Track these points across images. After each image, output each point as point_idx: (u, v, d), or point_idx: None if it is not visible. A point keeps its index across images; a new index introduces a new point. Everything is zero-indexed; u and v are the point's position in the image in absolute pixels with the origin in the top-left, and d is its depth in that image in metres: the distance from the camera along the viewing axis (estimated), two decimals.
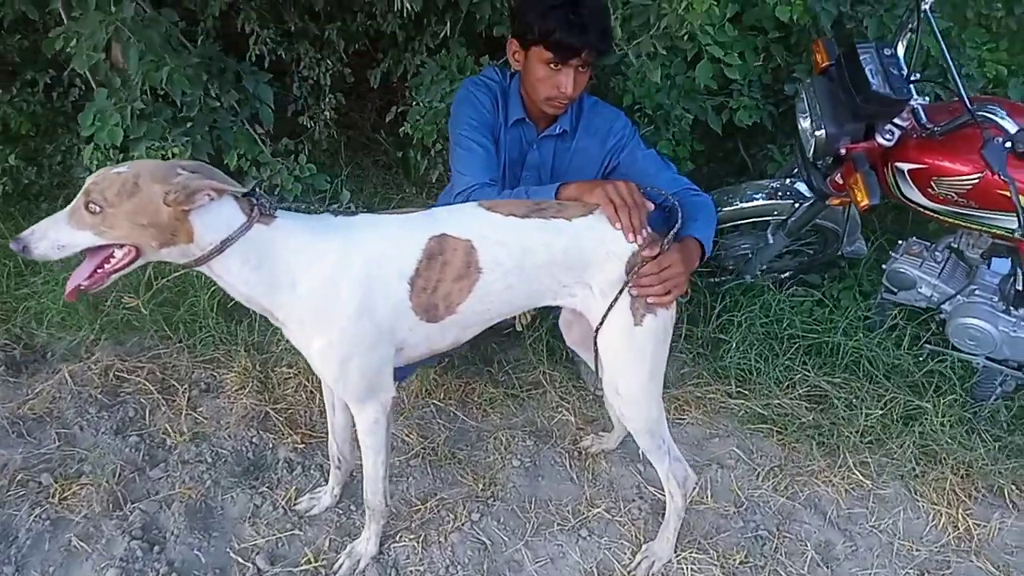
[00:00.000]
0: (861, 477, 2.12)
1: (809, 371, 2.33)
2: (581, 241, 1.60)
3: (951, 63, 1.89)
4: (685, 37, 2.06)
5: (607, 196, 1.60)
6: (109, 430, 2.16)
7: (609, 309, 1.61)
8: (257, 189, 1.53)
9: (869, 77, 1.90)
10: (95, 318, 2.47)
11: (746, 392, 2.33)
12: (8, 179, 2.76)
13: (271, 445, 2.15)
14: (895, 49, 1.99)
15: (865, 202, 1.94)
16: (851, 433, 2.19)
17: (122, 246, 1.37)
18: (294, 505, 1.97)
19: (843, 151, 2.04)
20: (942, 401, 2.20)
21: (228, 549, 1.85)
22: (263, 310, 1.54)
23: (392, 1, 2.38)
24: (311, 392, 2.29)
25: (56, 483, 1.97)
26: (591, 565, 1.87)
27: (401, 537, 1.89)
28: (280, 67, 3.12)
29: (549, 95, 1.85)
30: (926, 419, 2.18)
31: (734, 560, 1.89)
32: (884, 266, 2.38)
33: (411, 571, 1.82)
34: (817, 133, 2.05)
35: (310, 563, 1.82)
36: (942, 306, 2.31)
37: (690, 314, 2.50)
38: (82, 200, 1.33)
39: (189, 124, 2.22)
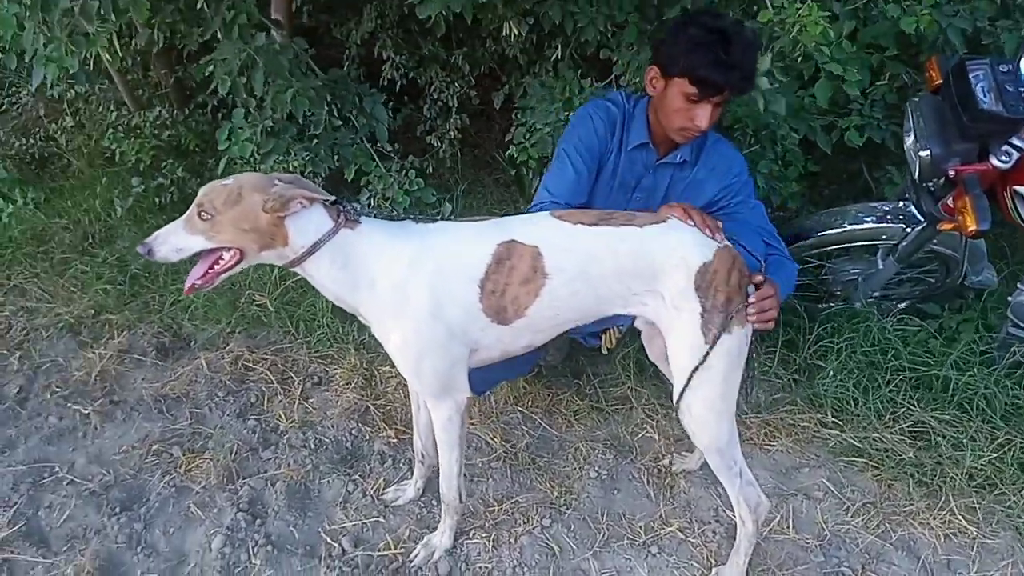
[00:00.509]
0: (965, 523, 1.97)
1: (914, 405, 2.20)
2: (650, 247, 1.62)
3: None
4: (799, 59, 2.03)
5: (679, 206, 1.66)
6: (232, 413, 2.42)
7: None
8: (347, 201, 1.68)
9: (978, 94, 1.79)
10: (232, 313, 2.78)
11: (841, 423, 2.23)
12: (175, 188, 3.18)
13: (368, 437, 2.32)
14: (1018, 65, 1.86)
15: (973, 227, 1.82)
16: (957, 475, 2.04)
17: (229, 249, 1.56)
18: (381, 495, 2.11)
19: (952, 173, 1.92)
20: None
21: (319, 529, 2.02)
22: (351, 308, 1.69)
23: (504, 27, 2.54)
24: (405, 397, 2.44)
25: (184, 456, 2.24)
26: None
27: (474, 534, 1.98)
28: (415, 90, 3.37)
29: (683, 126, 1.88)
30: None
31: None
32: (1010, 298, 2.20)
33: (480, 567, 1.91)
34: (922, 153, 1.95)
35: (389, 549, 1.96)
36: None
37: (787, 339, 2.42)
38: (195, 209, 1.53)
39: (315, 141, 2.46)
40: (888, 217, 2.27)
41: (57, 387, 2.53)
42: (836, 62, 2.06)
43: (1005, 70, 1.82)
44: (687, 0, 2.23)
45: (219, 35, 2.25)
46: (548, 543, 1.96)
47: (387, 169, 2.61)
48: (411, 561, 1.92)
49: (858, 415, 2.22)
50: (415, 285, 1.60)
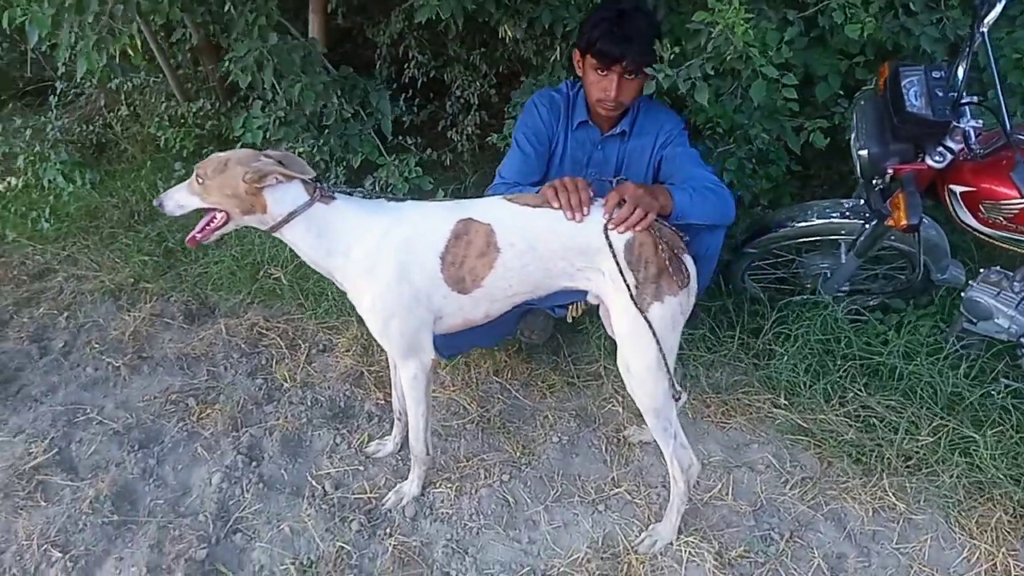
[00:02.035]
0: (894, 499, 2.10)
1: (861, 391, 2.33)
2: (583, 228, 1.81)
3: (998, 85, 1.86)
4: (741, 58, 2.18)
5: (548, 188, 1.84)
6: (244, 372, 2.70)
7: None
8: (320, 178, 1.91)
9: (908, 98, 1.92)
10: (251, 285, 3.08)
11: (792, 405, 2.37)
12: None
13: (360, 398, 2.57)
14: (953, 71, 1.98)
15: (904, 222, 1.95)
16: (893, 455, 2.17)
17: (219, 211, 1.83)
18: (364, 447, 2.36)
19: (890, 171, 2.06)
20: (1001, 435, 2.12)
21: (307, 473, 2.27)
22: (328, 273, 1.93)
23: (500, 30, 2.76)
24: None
25: (197, 406, 2.53)
26: (599, 535, 2.06)
27: (441, 485, 2.21)
28: (443, 88, 3.61)
29: (598, 98, 2.15)
30: (979, 451, 2.11)
31: (733, 552, 1.99)
32: (962, 294, 2.31)
33: (443, 513, 2.13)
34: (861, 152, 2.09)
35: (365, 493, 2.20)
36: (1021, 339, 2.21)
37: (753, 326, 2.58)
38: (195, 174, 1.82)
39: (326, 131, 2.72)
40: (848, 213, 2.40)
41: (96, 344, 2.86)
42: (772, 65, 2.19)
43: (938, 76, 1.95)
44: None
45: (241, 34, 2.53)
46: (505, 496, 2.18)
47: (392, 159, 2.86)
48: (383, 503, 2.15)
49: (808, 398, 2.36)
50: (384, 254, 1.83)
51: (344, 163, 2.81)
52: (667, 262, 1.78)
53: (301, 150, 2.52)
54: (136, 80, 4.00)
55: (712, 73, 2.17)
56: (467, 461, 2.30)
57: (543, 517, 2.12)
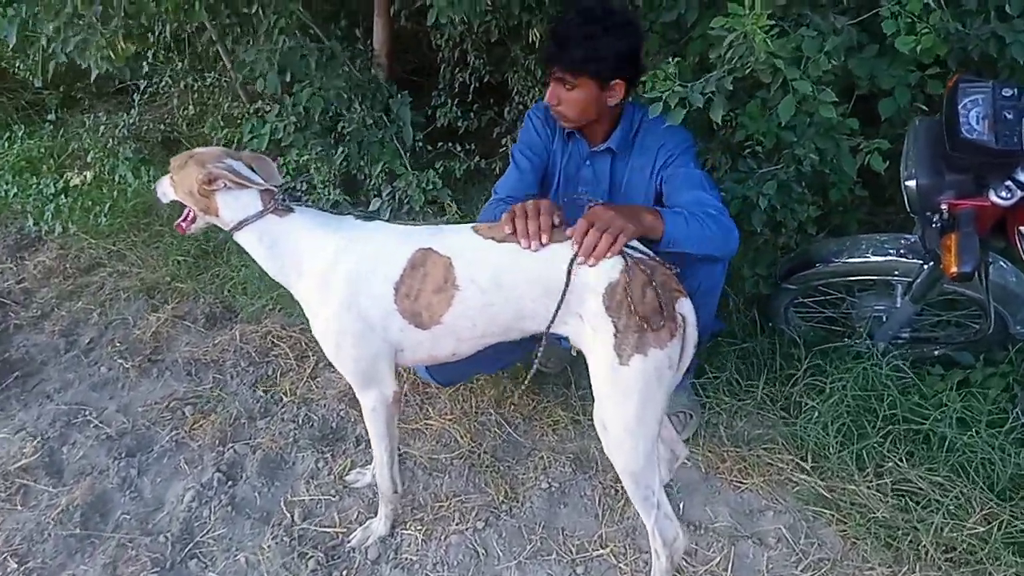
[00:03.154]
0: None
1: (902, 461, 1.98)
2: (556, 268, 1.58)
3: None
4: (768, 70, 1.89)
5: (508, 214, 1.62)
6: (248, 382, 2.64)
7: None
8: (277, 189, 1.79)
9: (965, 120, 1.58)
10: (273, 291, 3.02)
11: (818, 469, 2.05)
12: None
13: (353, 420, 2.45)
14: None
15: (953, 269, 1.62)
16: (931, 543, 1.82)
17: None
18: (344, 475, 2.23)
19: (944, 206, 1.71)
20: None
21: (281, 498, 2.17)
22: (286, 286, 1.81)
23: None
24: (404, 380, 2.54)
25: (192, 416, 2.48)
26: None
27: (411, 526, 2.05)
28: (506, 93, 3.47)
29: (546, 101, 1.98)
30: None
31: None
32: None
33: (406, 559, 1.97)
34: (908, 183, 1.75)
35: (333, 526, 2.07)
36: None
37: (780, 371, 2.26)
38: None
39: (347, 137, 2.62)
40: (905, 252, 2.05)
41: (118, 342, 2.89)
42: (807, 78, 1.88)
43: (1008, 94, 1.59)
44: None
45: (258, 37, 2.46)
46: (476, 545, 1.99)
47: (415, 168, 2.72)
48: (348, 541, 2.02)
49: (838, 463, 2.03)
50: (335, 276, 1.69)
51: (364, 171, 2.69)
52: (657, 307, 1.53)
53: (305, 158, 2.42)
54: (208, 79, 4.08)
55: (731, 88, 1.89)
56: (446, 501, 2.13)
57: (513, 574, 1.92)
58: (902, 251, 2.06)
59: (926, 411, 2.04)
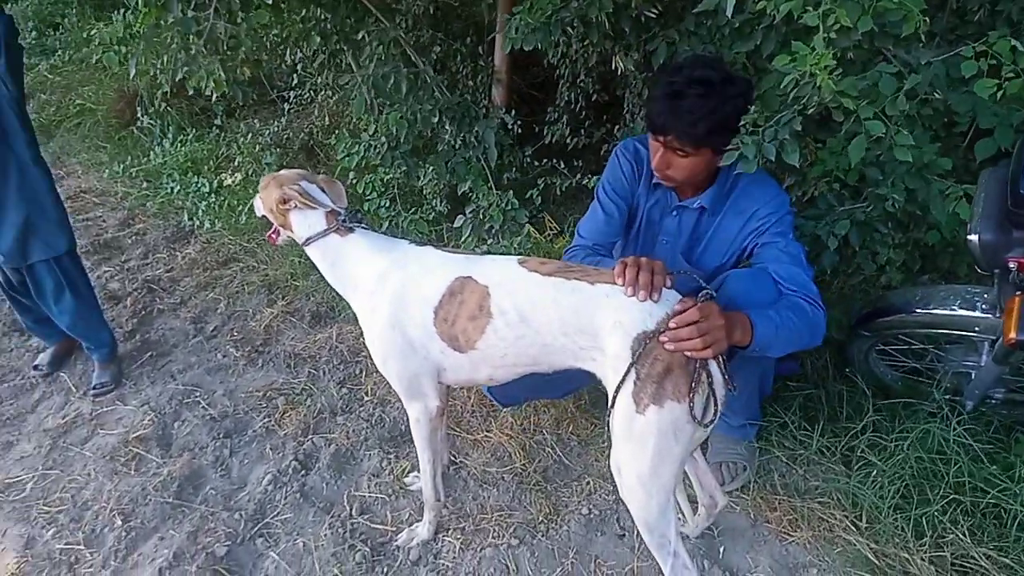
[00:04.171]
0: None
1: (964, 535, 1.82)
2: (592, 305, 1.60)
3: None
4: (839, 108, 1.81)
5: (622, 263, 1.59)
6: (336, 380, 2.87)
7: (618, 388, 1.56)
8: (342, 211, 1.95)
9: None
10: None
11: (872, 531, 1.93)
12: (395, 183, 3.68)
13: None
14: None
15: (1012, 335, 1.49)
16: None
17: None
18: (403, 476, 2.38)
19: (1012, 265, 1.57)
20: None
21: (344, 491, 2.35)
22: (345, 298, 1.98)
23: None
24: (472, 392, 2.66)
25: (283, 406, 2.74)
26: None
27: (452, 534, 2.16)
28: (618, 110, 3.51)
29: (654, 164, 1.94)
30: None
31: None
32: None
33: (443, 564, 2.08)
34: (971, 237, 1.62)
35: (384, 524, 2.22)
36: None
37: (838, 425, 2.15)
38: None
39: (433, 156, 2.78)
40: (986, 306, 1.89)
41: (236, 332, 3.23)
42: (882, 118, 1.77)
43: None
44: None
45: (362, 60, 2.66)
46: (507, 562, 2.06)
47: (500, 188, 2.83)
48: (396, 540, 2.16)
49: (894, 528, 1.90)
50: (382, 296, 1.83)
51: (448, 189, 2.84)
52: (682, 362, 1.52)
53: (388, 176, 2.60)
54: (351, 94, 4.42)
55: (799, 128, 1.83)
56: (489, 513, 2.21)
57: None
58: (986, 306, 1.89)
59: (1000, 483, 1.86)
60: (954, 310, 1.96)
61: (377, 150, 2.67)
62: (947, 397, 2.11)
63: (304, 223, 1.93)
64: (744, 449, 2.18)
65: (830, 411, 2.22)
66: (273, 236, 2.11)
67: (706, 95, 1.76)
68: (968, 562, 1.81)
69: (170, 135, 5.20)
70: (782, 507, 2.10)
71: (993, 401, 2.12)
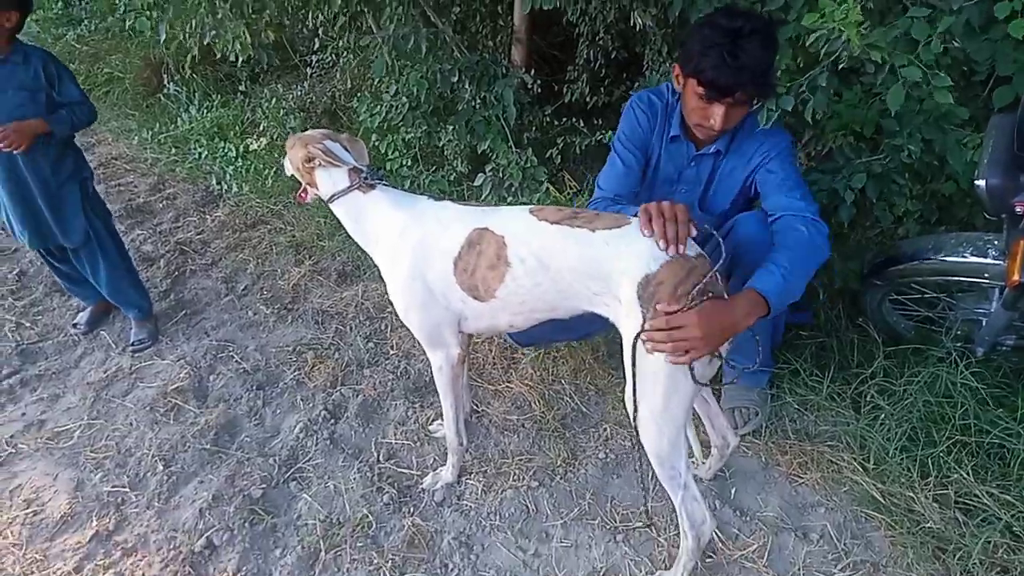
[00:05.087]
0: None
1: (968, 474, 1.88)
2: (597, 253, 1.66)
3: None
4: (869, 61, 1.82)
5: (646, 210, 1.62)
6: (363, 335, 2.97)
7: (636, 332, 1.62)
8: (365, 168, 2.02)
9: None
10: None
11: (878, 472, 2.00)
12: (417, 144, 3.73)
13: None
14: None
15: (1016, 277, 1.53)
16: (982, 559, 1.74)
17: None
18: (428, 425, 2.48)
19: (1019, 210, 1.60)
20: None
21: (372, 439, 2.46)
22: (369, 253, 2.06)
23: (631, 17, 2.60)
24: (493, 344, 2.74)
25: (312, 360, 2.85)
26: (605, 565, 1.97)
27: (475, 477, 2.26)
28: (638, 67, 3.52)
29: (698, 123, 1.93)
30: None
31: None
32: None
33: (466, 505, 2.19)
34: (978, 183, 1.64)
35: (410, 469, 2.33)
36: None
37: (851, 369, 2.20)
38: None
39: (453, 117, 2.82)
40: (995, 253, 1.91)
41: (266, 291, 3.34)
42: (917, 65, 1.78)
43: None
44: None
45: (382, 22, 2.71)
46: (527, 502, 2.16)
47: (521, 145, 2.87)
48: (420, 483, 2.27)
49: (900, 468, 1.96)
50: (402, 249, 1.91)
51: (468, 150, 2.90)
52: (689, 305, 1.57)
53: (408, 135, 2.65)
54: (364, 57, 4.45)
55: (823, 84, 1.84)
56: (510, 458, 2.31)
57: (558, 532, 2.08)
58: (996, 253, 1.92)
59: (1005, 425, 1.91)
60: (965, 257, 1.98)
61: (398, 110, 2.73)
62: (958, 345, 2.15)
63: (328, 180, 2.00)
64: (756, 395, 2.24)
65: (841, 359, 2.26)
66: (302, 195, 2.19)
67: (764, 45, 1.74)
68: (971, 500, 1.87)
69: (196, 102, 5.29)
70: (792, 451, 2.17)
71: (1004, 348, 2.15)
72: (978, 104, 2.20)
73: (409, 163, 3.02)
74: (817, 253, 1.77)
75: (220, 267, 3.59)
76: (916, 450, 1.96)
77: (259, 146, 4.58)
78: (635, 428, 1.74)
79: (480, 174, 2.84)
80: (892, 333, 2.30)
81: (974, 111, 2.14)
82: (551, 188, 2.79)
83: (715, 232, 1.67)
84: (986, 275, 1.95)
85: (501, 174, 2.84)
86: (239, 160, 4.52)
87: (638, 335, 1.60)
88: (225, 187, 4.34)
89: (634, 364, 1.65)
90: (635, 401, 1.70)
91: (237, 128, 4.93)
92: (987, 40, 2.02)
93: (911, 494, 1.92)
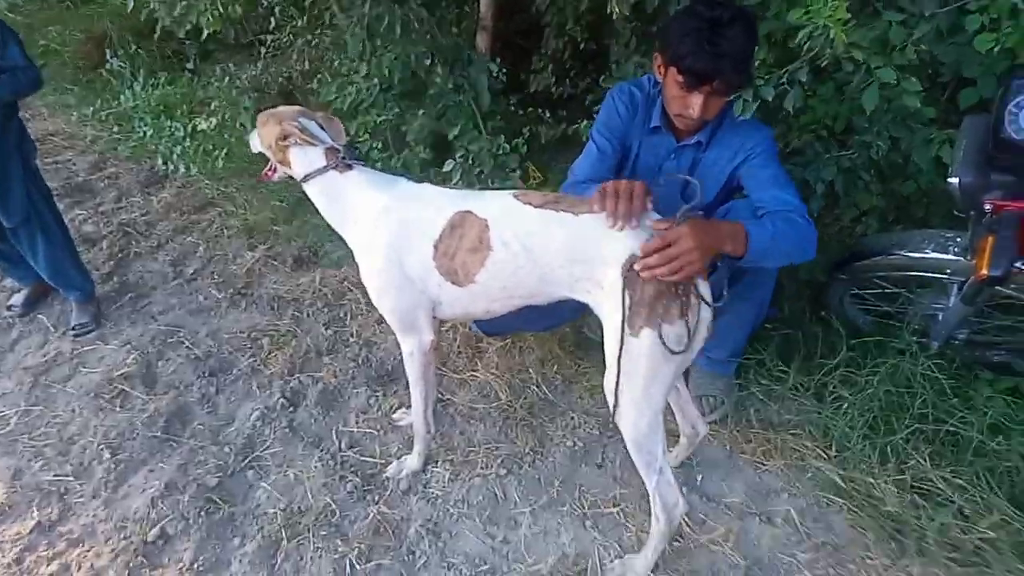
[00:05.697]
0: None
1: (924, 460, 1.94)
2: (582, 237, 1.65)
3: None
4: (850, 59, 1.86)
5: (602, 189, 1.62)
6: (320, 321, 2.89)
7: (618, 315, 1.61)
8: (349, 150, 1.97)
9: (1010, 119, 1.52)
10: None
11: (840, 459, 2.05)
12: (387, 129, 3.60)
13: None
14: None
15: (983, 271, 1.58)
16: (936, 540, 1.80)
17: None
18: (391, 413, 2.43)
19: (988, 207, 1.65)
20: None
21: (333, 427, 2.39)
22: (343, 235, 1.99)
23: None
24: (458, 333, 2.71)
25: (269, 346, 2.76)
26: (573, 551, 1.96)
27: (441, 465, 2.22)
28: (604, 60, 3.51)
29: (679, 113, 1.93)
30: None
31: None
32: None
33: (433, 493, 2.15)
34: (951, 180, 1.70)
35: (373, 457, 2.28)
36: None
37: (815, 360, 2.25)
38: None
39: (427, 100, 2.77)
40: (957, 250, 1.98)
41: (217, 275, 3.22)
42: (892, 67, 1.83)
43: None
44: None
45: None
46: (495, 489, 2.14)
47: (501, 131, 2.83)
48: (386, 472, 2.22)
49: (861, 455, 2.02)
50: (380, 231, 1.85)
51: (432, 137, 2.85)
52: (672, 285, 1.58)
53: (381, 118, 2.59)
54: (327, 38, 4.34)
55: (804, 80, 1.88)
56: (477, 447, 2.28)
57: (527, 519, 2.06)
58: (957, 250, 1.99)
59: (960, 414, 1.98)
60: (928, 253, 2.05)
61: (369, 91, 2.66)
62: (915, 339, 2.22)
63: (304, 160, 1.94)
64: (723, 385, 2.27)
65: (806, 351, 2.31)
66: (269, 173, 2.11)
67: (744, 33, 1.75)
68: (926, 484, 1.94)
69: (141, 78, 5.07)
70: (757, 439, 2.20)
71: (956, 341, 2.23)
72: (940, 106, 2.27)
73: (380, 146, 2.95)
74: (806, 246, 1.80)
75: (167, 250, 3.45)
76: (877, 437, 2.02)
77: (208, 126, 4.41)
78: (612, 414, 1.74)
79: (450, 160, 2.79)
80: (852, 327, 2.36)
81: (938, 111, 2.21)
82: (520, 175, 2.76)
83: (690, 179, 1.69)
84: (948, 271, 2.02)
85: (471, 160, 2.80)
86: (187, 140, 4.35)
87: (631, 266, 1.58)
88: (172, 167, 4.17)
89: (622, 344, 1.62)
90: (612, 387, 1.70)
91: (184, 107, 4.75)
92: (953, 44, 2.10)
93: (871, 479, 1.97)
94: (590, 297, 1.74)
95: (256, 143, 2.07)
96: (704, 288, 1.62)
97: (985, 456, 1.90)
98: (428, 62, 2.66)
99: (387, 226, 1.85)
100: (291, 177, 2.03)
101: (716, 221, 1.64)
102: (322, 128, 2.00)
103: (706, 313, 1.63)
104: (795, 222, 1.79)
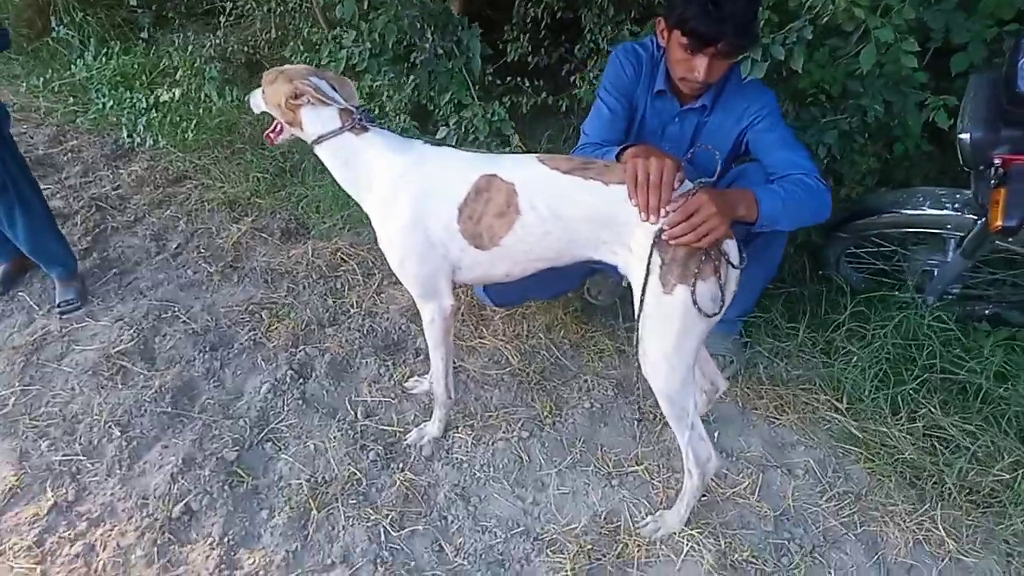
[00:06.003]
0: (944, 535, 1.85)
1: (935, 409, 2.05)
2: (614, 206, 1.67)
3: None
4: (851, 18, 1.90)
5: (633, 172, 1.63)
6: (318, 293, 2.84)
7: (647, 274, 1.64)
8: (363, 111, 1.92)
9: (1019, 73, 1.59)
10: (344, 211, 3.20)
11: (853, 411, 2.14)
12: None
13: (413, 334, 2.63)
14: None
15: (997, 222, 1.66)
16: (955, 484, 1.91)
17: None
18: (404, 382, 2.42)
19: (998, 161, 1.73)
20: None
21: (345, 397, 2.37)
22: (358, 201, 1.96)
23: None
24: (461, 301, 2.70)
25: (268, 319, 2.70)
26: (604, 509, 2.00)
27: (462, 431, 2.23)
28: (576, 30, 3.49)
29: (683, 76, 1.94)
30: None
31: (737, 555, 1.86)
32: None
33: (457, 458, 2.15)
34: (961, 136, 1.77)
35: (391, 426, 2.27)
36: None
37: (822, 317, 2.33)
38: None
39: (418, 66, 2.73)
40: (959, 206, 2.07)
41: (203, 249, 3.13)
42: (890, 27, 1.88)
43: None
44: None
45: None
46: (520, 452, 2.16)
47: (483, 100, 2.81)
48: (405, 440, 2.21)
49: (872, 406, 2.12)
50: (402, 195, 1.82)
51: (433, 101, 2.81)
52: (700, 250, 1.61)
53: (377, 82, 2.54)
54: (290, 4, 4.20)
55: (810, 37, 1.91)
56: (495, 411, 2.30)
57: (553, 480, 2.09)
58: (957, 205, 2.08)
59: (966, 363, 2.09)
60: (927, 210, 2.14)
61: (361, 55, 2.60)
62: (909, 295, 2.32)
63: (316, 121, 1.88)
64: (731, 343, 2.33)
65: (812, 309, 2.39)
66: (273, 135, 2.04)
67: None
68: (938, 431, 2.04)
69: (92, 47, 4.82)
70: (768, 395, 2.28)
71: (950, 296, 2.34)
72: (926, 72, 2.35)
73: (375, 111, 2.89)
74: (820, 207, 1.84)
75: (145, 224, 3.33)
76: (887, 389, 2.11)
77: (171, 97, 4.24)
78: (643, 371, 1.77)
79: (444, 127, 2.76)
80: (847, 285, 2.45)
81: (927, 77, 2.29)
82: (516, 142, 2.75)
83: (714, 151, 1.71)
84: (948, 226, 2.11)
85: (464, 128, 2.78)
86: (151, 111, 4.17)
87: (655, 241, 1.61)
88: (138, 139, 4.00)
89: (645, 304, 1.66)
90: (646, 344, 1.73)
91: (144, 77, 4.55)
92: (939, 11, 2.17)
93: (884, 429, 2.07)
94: (617, 258, 1.76)
95: (259, 102, 2.00)
96: (732, 247, 1.66)
97: (992, 403, 2.01)
98: (419, 25, 2.61)
99: (408, 191, 1.82)
100: (293, 147, 1.98)
101: (728, 191, 1.68)
102: (334, 89, 1.95)
103: (733, 272, 1.68)
104: (807, 184, 1.83)
